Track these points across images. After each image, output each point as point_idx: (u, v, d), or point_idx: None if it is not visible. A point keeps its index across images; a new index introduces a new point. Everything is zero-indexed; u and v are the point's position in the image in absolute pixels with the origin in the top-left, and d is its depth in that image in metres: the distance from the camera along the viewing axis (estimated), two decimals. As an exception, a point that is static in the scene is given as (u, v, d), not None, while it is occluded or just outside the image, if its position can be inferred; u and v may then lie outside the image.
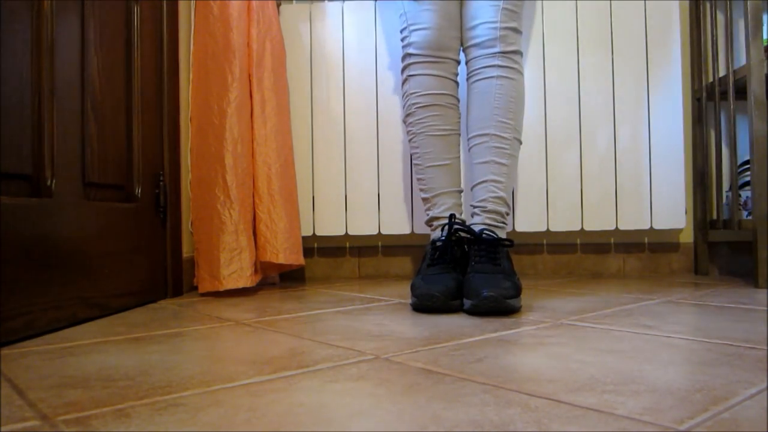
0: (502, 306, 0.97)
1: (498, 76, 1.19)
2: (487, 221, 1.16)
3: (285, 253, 1.39)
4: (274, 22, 1.47)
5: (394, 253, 1.71)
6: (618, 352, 0.71)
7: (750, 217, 1.40)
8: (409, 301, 1.10)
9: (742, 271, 1.64)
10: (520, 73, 1.22)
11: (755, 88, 1.34)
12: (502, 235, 1.17)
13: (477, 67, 1.21)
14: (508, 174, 1.18)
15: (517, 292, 1.01)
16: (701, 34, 1.63)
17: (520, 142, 1.22)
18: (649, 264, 1.67)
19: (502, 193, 1.17)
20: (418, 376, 0.62)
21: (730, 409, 0.49)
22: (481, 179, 1.18)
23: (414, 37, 1.23)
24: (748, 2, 1.35)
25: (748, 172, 1.49)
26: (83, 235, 1.00)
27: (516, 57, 1.21)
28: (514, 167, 1.20)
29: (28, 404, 0.54)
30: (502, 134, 1.18)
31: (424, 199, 1.26)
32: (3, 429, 0.48)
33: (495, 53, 1.19)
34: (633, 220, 1.57)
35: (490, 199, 1.16)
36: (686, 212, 1.60)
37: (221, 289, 1.27)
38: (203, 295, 1.34)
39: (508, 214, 1.19)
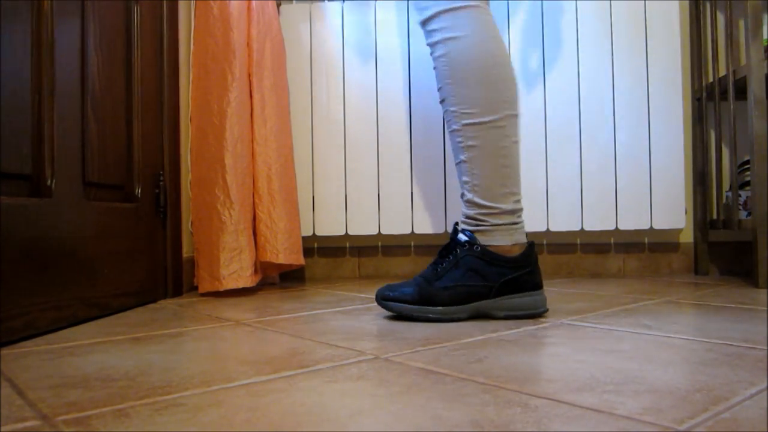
0: (380, 304, 0.98)
1: (435, 58, 1.02)
2: (462, 225, 1.02)
3: (285, 253, 1.39)
4: (274, 22, 1.47)
5: (394, 253, 1.71)
6: (618, 352, 0.71)
7: (750, 217, 1.40)
8: None
9: (742, 271, 1.64)
10: (453, 38, 0.98)
11: (755, 88, 1.34)
12: (486, 239, 0.98)
13: None
14: (470, 170, 1.00)
15: (416, 299, 0.95)
16: (701, 34, 1.63)
17: (485, 122, 0.98)
18: (649, 264, 1.67)
19: (469, 195, 1.00)
20: (418, 376, 0.62)
21: (730, 409, 0.49)
22: None
23: None
24: (748, 2, 1.35)
25: (748, 172, 1.49)
26: (83, 235, 1.00)
27: (434, 24, 1.00)
28: (477, 158, 0.99)
29: (28, 404, 0.54)
30: (454, 126, 1.01)
31: None
32: (3, 429, 0.48)
33: (424, 30, 1.02)
34: (633, 220, 1.57)
35: (463, 203, 1.03)
36: (686, 212, 1.60)
37: (221, 289, 1.27)
38: (203, 295, 1.34)
39: (486, 213, 0.99)
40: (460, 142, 1.00)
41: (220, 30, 1.35)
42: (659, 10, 1.57)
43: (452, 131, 1.02)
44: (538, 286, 0.98)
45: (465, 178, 1.01)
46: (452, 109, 1.00)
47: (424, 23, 1.02)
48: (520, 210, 1.01)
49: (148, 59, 1.25)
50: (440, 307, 0.95)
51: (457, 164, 1.10)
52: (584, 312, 1.01)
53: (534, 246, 0.99)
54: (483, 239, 0.99)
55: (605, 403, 0.52)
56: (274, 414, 0.51)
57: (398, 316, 0.99)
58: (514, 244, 0.99)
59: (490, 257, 0.97)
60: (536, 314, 0.97)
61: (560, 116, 1.58)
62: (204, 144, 1.35)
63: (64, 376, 0.64)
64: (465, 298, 0.96)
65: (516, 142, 1.01)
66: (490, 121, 0.98)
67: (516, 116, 1.01)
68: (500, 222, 0.99)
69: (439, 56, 1.01)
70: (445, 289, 0.96)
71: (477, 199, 0.99)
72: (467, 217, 1.01)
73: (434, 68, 1.04)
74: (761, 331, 0.82)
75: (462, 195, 1.04)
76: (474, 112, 0.98)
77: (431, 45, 1.02)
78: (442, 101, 1.17)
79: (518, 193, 1.01)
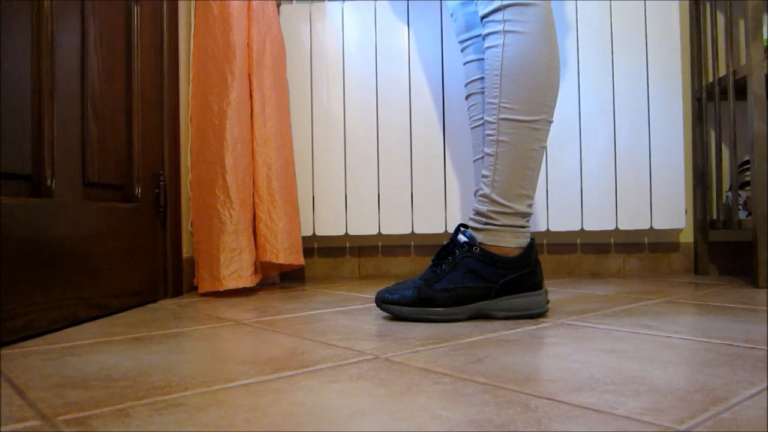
0: (380, 306, 0.98)
1: (485, 48, 1.01)
2: (469, 222, 1.02)
3: (285, 253, 1.39)
4: (274, 22, 1.47)
5: (394, 253, 1.71)
6: (618, 352, 0.71)
7: (750, 217, 1.40)
8: None
9: (742, 271, 1.64)
10: (514, 32, 0.97)
11: (755, 88, 1.34)
12: (484, 237, 0.98)
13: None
14: (494, 164, 0.98)
15: (416, 301, 0.95)
16: (701, 34, 1.63)
17: (523, 121, 0.97)
18: (649, 264, 1.67)
19: (486, 189, 0.99)
20: (418, 376, 0.62)
21: (730, 409, 0.49)
22: None
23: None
24: (748, 2, 1.35)
25: (748, 172, 1.49)
26: (83, 235, 1.00)
27: (497, 15, 0.98)
28: (505, 154, 0.98)
29: (28, 404, 0.54)
30: (489, 118, 1.00)
31: None
32: (3, 429, 0.48)
33: (483, 21, 1.02)
34: (633, 220, 1.57)
35: (478, 197, 1.02)
36: (686, 212, 1.60)
37: (221, 289, 1.27)
38: (203, 295, 1.34)
39: (498, 212, 0.98)
40: (491, 135, 0.99)
41: (220, 30, 1.35)
42: (659, 10, 1.57)
43: (484, 123, 1.02)
44: (538, 285, 0.98)
45: (486, 173, 1.00)
46: (492, 101, 0.99)
47: (486, 15, 1.00)
48: (530, 215, 1.01)
49: (148, 59, 1.25)
50: (440, 308, 0.95)
51: (477, 160, 1.10)
52: (584, 312, 1.01)
53: (533, 246, 0.99)
54: (488, 238, 0.98)
55: (605, 403, 0.52)
56: (274, 414, 0.51)
57: (398, 317, 0.99)
58: (516, 247, 0.98)
59: (490, 258, 0.97)
60: (536, 314, 0.97)
61: (560, 116, 1.58)
62: (204, 144, 1.35)
63: (64, 376, 0.64)
64: (465, 300, 0.96)
65: (543, 148, 1.00)
66: (528, 121, 0.97)
67: (551, 123, 1.00)
68: (510, 223, 0.98)
69: (493, 46, 0.99)
70: (445, 290, 0.96)
71: (493, 195, 0.99)
72: (477, 213, 1.00)
73: (485, 61, 1.02)
74: (761, 331, 0.82)
75: (476, 191, 1.03)
76: (515, 109, 0.97)
77: (486, 35, 1.01)
78: (468, 96, 1.17)
79: (532, 198, 1.01)
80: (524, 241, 0.99)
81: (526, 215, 1.00)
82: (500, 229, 0.98)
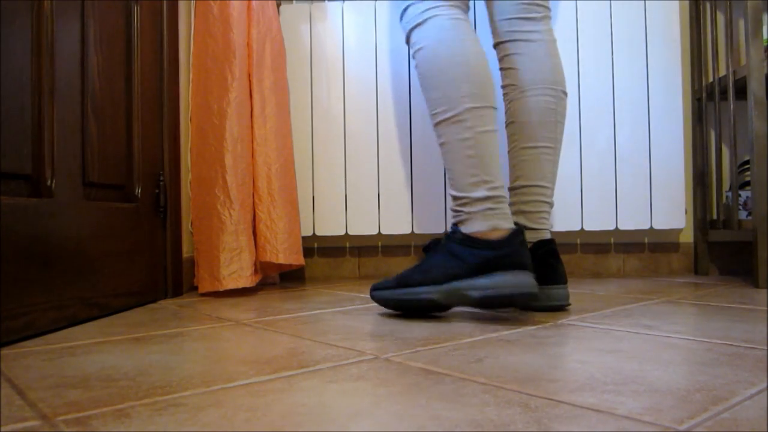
0: (371, 296, 1.04)
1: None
2: (451, 219, 1.07)
3: (285, 253, 1.39)
4: (274, 22, 1.47)
5: (394, 253, 1.71)
6: (618, 352, 0.71)
7: (750, 217, 1.40)
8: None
9: (742, 271, 1.64)
10: (419, 50, 1.07)
11: (755, 88, 1.34)
12: (466, 227, 1.00)
13: None
14: (446, 165, 1.05)
15: (393, 285, 1.01)
16: (701, 34, 1.63)
17: (446, 119, 1.02)
18: (649, 264, 1.67)
19: (449, 188, 1.05)
20: (418, 376, 0.62)
21: (730, 409, 0.49)
22: None
23: None
24: (748, 2, 1.35)
25: (748, 172, 1.49)
26: (83, 235, 1.00)
27: (410, 42, 1.11)
28: (446, 153, 1.03)
29: (28, 404, 0.54)
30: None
31: None
32: (3, 429, 0.48)
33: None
34: (633, 220, 1.57)
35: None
36: (686, 212, 1.60)
37: (221, 289, 1.27)
38: (203, 295, 1.34)
39: (460, 203, 1.02)
40: (438, 142, 1.06)
41: (220, 30, 1.35)
42: (659, 10, 1.57)
43: None
44: (520, 266, 0.94)
45: (448, 174, 1.05)
46: (428, 113, 1.06)
47: (407, 44, 1.10)
48: (498, 197, 0.99)
49: (148, 59, 1.25)
50: (412, 288, 0.99)
51: None
52: (584, 312, 1.01)
53: (520, 231, 0.97)
54: (464, 228, 1.00)
55: (605, 403, 0.52)
56: (275, 414, 0.51)
57: (397, 315, 1.00)
58: (493, 229, 0.97)
59: (469, 240, 0.97)
60: (518, 294, 0.93)
61: (560, 116, 1.58)
62: (204, 144, 1.35)
63: (64, 376, 0.64)
64: (440, 279, 0.97)
65: (484, 132, 1.00)
66: (449, 117, 1.02)
67: (480, 108, 1.00)
68: (474, 209, 0.99)
69: (414, 68, 1.07)
70: (421, 272, 0.99)
71: (452, 191, 1.04)
72: (452, 209, 1.05)
73: None
74: (761, 331, 0.82)
75: None
76: (437, 112, 1.03)
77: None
78: None
79: (493, 181, 1.00)
80: (499, 223, 0.98)
81: (491, 198, 0.99)
82: (469, 217, 1.00)
